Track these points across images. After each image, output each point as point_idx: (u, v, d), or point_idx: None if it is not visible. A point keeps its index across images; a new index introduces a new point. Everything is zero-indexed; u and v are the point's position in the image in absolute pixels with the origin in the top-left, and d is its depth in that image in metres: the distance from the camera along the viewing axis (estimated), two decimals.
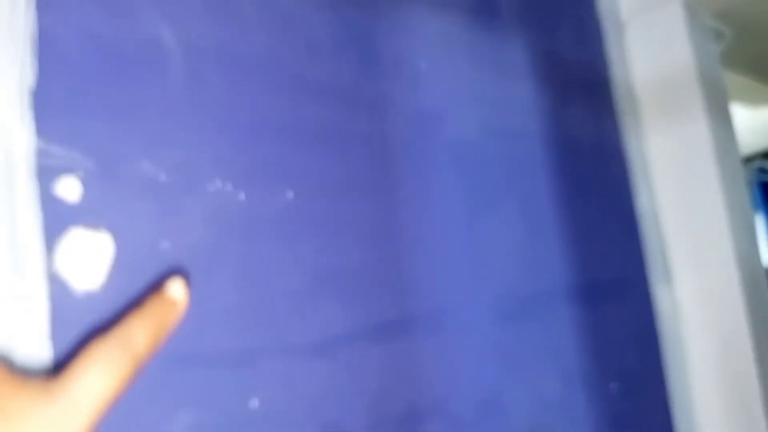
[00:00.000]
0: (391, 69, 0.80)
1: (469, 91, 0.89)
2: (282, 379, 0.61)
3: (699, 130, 1.11)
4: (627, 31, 1.23)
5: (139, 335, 0.43)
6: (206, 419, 0.56)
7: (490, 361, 0.78)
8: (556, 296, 0.90)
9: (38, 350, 0.49)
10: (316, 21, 0.74)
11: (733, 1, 1.25)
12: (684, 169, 1.13)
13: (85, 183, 0.54)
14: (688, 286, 1.10)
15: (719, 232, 1.08)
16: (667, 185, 1.15)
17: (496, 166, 0.89)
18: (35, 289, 0.50)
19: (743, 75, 1.63)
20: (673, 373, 1.05)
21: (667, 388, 1.04)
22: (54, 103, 0.53)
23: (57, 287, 0.51)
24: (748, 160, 2.88)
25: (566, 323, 0.90)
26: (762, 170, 2.96)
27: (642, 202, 1.14)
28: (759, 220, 3.24)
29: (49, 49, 0.53)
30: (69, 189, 0.53)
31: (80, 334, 0.51)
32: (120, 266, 0.54)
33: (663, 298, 1.09)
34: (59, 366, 0.49)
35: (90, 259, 0.53)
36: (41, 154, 0.52)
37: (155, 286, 0.50)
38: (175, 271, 0.57)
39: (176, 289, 0.48)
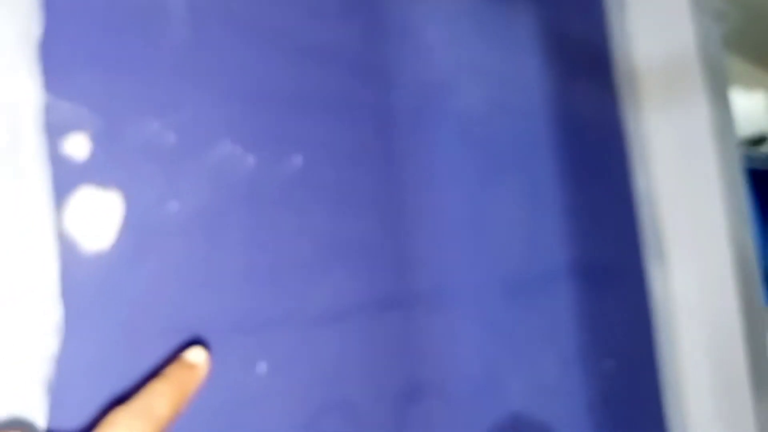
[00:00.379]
0: (397, 37, 0.78)
1: (475, 63, 0.87)
2: (289, 346, 0.60)
3: (699, 112, 1.11)
4: (630, 9, 1.22)
5: (160, 402, 0.42)
6: (214, 382, 0.55)
7: (490, 340, 0.78)
8: (556, 276, 0.91)
9: (49, 309, 0.48)
10: None
11: None
12: (682, 152, 1.13)
13: (94, 141, 0.52)
14: (682, 269, 1.12)
15: (714, 216, 1.09)
16: (665, 167, 1.16)
17: (501, 142, 0.88)
18: (45, 247, 0.49)
19: (739, 59, 1.63)
20: (664, 353, 1.07)
21: (657, 367, 1.05)
22: (61, 58, 0.51)
23: (66, 246, 0.50)
24: None
25: (564, 303, 0.91)
26: (748, 157, 3.00)
27: (639, 183, 1.15)
28: None
29: (56, 2, 0.51)
30: (77, 146, 0.51)
31: (90, 293, 0.50)
32: (128, 226, 0.53)
33: (656, 280, 1.10)
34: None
35: (99, 218, 0.52)
36: (49, 109, 0.50)
37: (175, 354, 0.50)
38: (184, 233, 0.56)
39: (196, 355, 0.48)
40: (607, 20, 1.17)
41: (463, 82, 0.83)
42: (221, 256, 0.58)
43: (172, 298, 0.55)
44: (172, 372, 0.46)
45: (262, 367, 0.58)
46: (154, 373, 0.46)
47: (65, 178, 0.50)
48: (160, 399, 0.43)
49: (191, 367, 0.47)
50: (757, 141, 2.26)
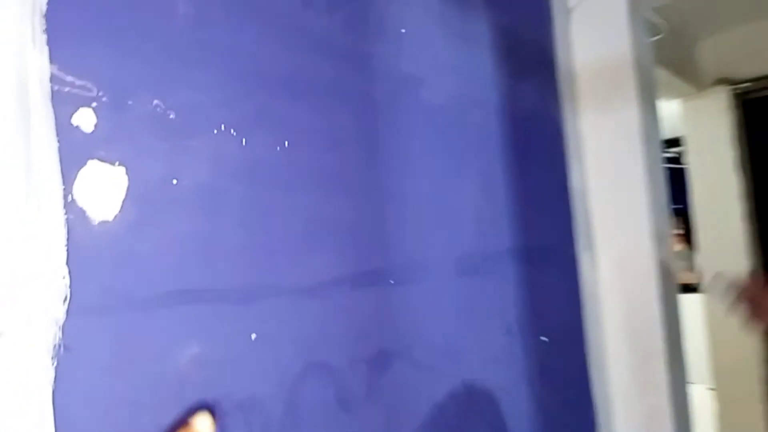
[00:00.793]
0: (377, 30, 0.84)
1: (441, 58, 0.94)
2: (277, 317, 0.65)
3: (630, 115, 1.23)
4: (573, 17, 1.32)
5: None
6: (211, 350, 0.59)
7: (449, 313, 0.86)
8: (504, 257, 0.99)
9: (54, 275, 0.51)
10: None
11: None
12: (613, 150, 1.25)
13: (99, 115, 0.55)
14: (607, 254, 1.24)
15: (639, 209, 1.21)
16: (597, 163, 1.27)
17: (461, 134, 0.95)
18: (52, 215, 0.51)
19: (662, 68, 1.79)
20: (591, 330, 1.18)
21: (585, 342, 1.17)
22: (66, 31, 0.53)
23: (74, 215, 0.52)
24: None
25: (510, 282, 1.00)
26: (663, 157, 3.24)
27: (574, 177, 1.26)
28: None
29: None
30: (84, 119, 0.53)
31: (98, 263, 0.53)
32: (132, 199, 0.56)
33: (585, 263, 1.22)
34: None
35: (105, 190, 0.55)
36: (55, 80, 0.52)
37: (182, 421, 0.54)
38: (183, 208, 0.59)
39: (203, 423, 0.51)
40: (553, 28, 1.26)
41: (431, 76, 0.90)
42: (218, 232, 0.62)
43: (173, 266, 0.58)
44: None
45: (254, 336, 0.63)
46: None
47: (71, 149, 0.52)
48: None
49: None
50: (671, 143, 2.48)
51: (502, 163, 1.04)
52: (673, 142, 2.45)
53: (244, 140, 0.66)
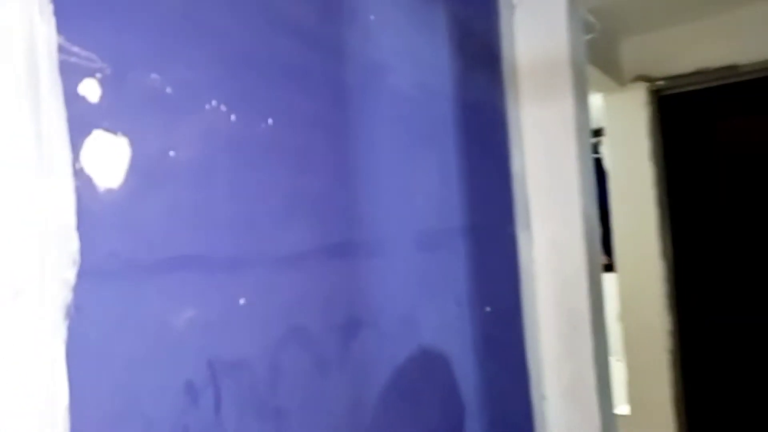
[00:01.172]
0: (347, 16, 0.89)
1: (405, 47, 1.00)
2: (263, 284, 0.70)
3: (565, 106, 1.34)
4: (516, 12, 1.41)
5: None
6: (205, 313, 0.63)
7: (410, 284, 0.93)
8: (455, 234, 1.08)
9: (65, 241, 0.53)
10: None
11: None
12: (550, 138, 1.36)
13: (103, 85, 0.57)
14: (542, 234, 1.35)
15: (571, 193, 1.33)
16: (535, 150, 1.38)
17: (420, 118, 1.02)
18: (63, 182, 0.54)
19: (589, 63, 1.93)
20: (526, 303, 1.29)
21: (521, 312, 1.28)
22: (71, 2, 0.55)
23: (82, 183, 0.55)
24: None
25: (460, 257, 1.08)
26: None
27: (514, 162, 1.36)
28: None
29: None
30: (90, 89, 0.56)
31: (104, 229, 0.56)
32: (134, 169, 0.59)
33: (523, 242, 1.32)
34: None
35: (110, 159, 0.57)
36: (62, 51, 0.54)
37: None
38: (181, 177, 0.63)
39: None
40: (499, 22, 1.35)
41: (397, 63, 0.96)
42: (210, 202, 0.65)
43: (171, 234, 0.62)
44: None
45: (242, 301, 0.67)
46: None
47: (79, 119, 0.55)
48: None
49: None
50: (594, 133, 2.67)
51: (453, 147, 1.12)
52: (596, 133, 2.64)
53: (233, 116, 0.69)
